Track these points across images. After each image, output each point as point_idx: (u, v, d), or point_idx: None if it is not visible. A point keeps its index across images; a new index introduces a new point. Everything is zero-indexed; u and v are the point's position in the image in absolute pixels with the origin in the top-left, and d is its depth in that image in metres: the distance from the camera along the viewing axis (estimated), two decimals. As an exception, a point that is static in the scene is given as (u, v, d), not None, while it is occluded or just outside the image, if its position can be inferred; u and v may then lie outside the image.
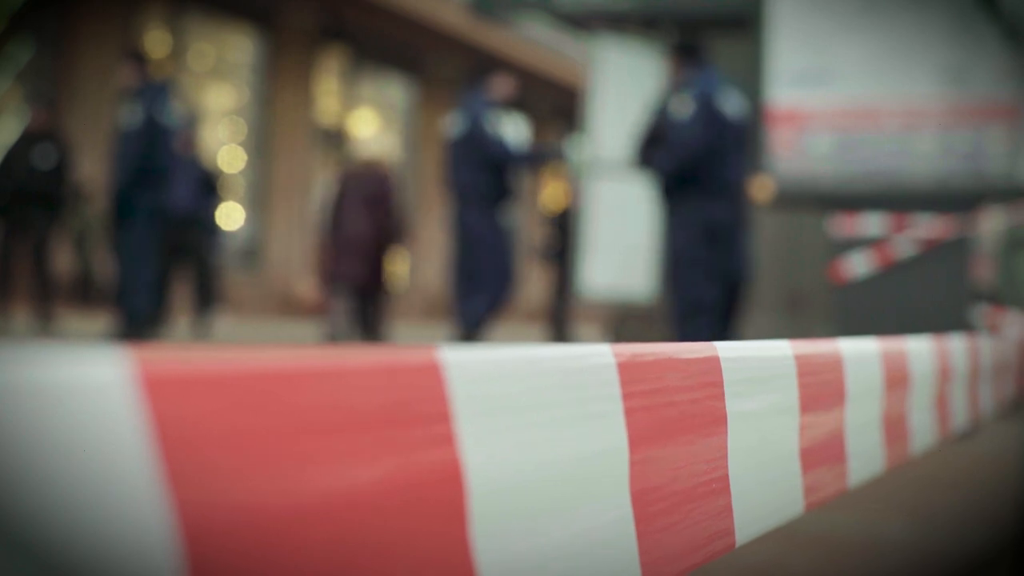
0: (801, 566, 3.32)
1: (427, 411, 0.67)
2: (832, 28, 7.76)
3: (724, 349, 1.12)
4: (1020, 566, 3.68)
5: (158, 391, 0.50)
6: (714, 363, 1.08)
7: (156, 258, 9.85)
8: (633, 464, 0.90)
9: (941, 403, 2.28)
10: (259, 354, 0.57)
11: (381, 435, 0.63)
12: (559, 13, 11.23)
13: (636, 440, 0.90)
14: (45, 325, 10.94)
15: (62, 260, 13.96)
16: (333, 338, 11.36)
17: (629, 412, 0.89)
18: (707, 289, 7.61)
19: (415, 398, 0.66)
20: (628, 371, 0.90)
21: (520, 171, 8.75)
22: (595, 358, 0.87)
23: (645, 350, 0.94)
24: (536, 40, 21.07)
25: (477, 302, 8.64)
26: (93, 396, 0.47)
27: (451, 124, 8.92)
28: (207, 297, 11.95)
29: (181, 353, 0.54)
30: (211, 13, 17.42)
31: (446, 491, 0.68)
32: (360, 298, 11.24)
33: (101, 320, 12.70)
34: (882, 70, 7.65)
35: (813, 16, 7.83)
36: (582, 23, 11.57)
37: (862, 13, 7.69)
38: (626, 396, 0.89)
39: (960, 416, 2.49)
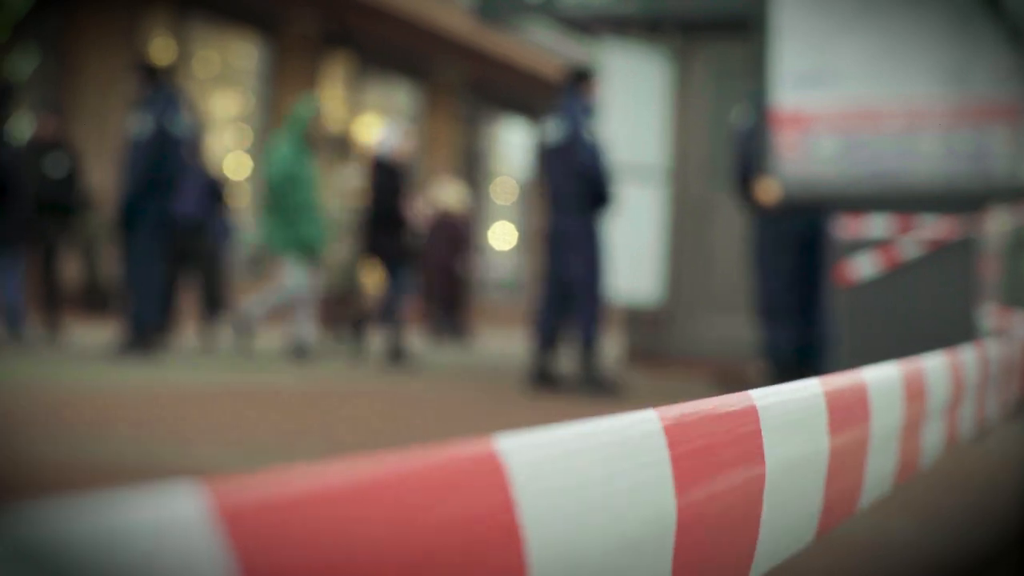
0: (805, 565, 3.33)
1: (491, 502, 0.68)
2: (835, 30, 7.77)
3: (760, 397, 1.15)
4: (1026, 567, 3.69)
5: (236, 522, 0.51)
6: (752, 413, 1.11)
7: (163, 266, 9.88)
8: (680, 526, 0.90)
9: (951, 416, 2.29)
10: (327, 471, 0.58)
11: (452, 538, 0.64)
12: (563, 17, 11.25)
13: (683, 496, 0.91)
14: (54, 333, 10.96)
15: (70, 268, 13.99)
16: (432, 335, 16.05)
17: (678, 475, 0.91)
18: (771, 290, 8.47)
19: (480, 495, 0.67)
20: (674, 433, 0.92)
21: (608, 182, 8.56)
22: (643, 425, 0.89)
23: (688, 410, 0.97)
24: (540, 44, 21.09)
25: (586, 315, 8.44)
26: (175, 534, 0.48)
27: (550, 130, 8.63)
28: (214, 305, 11.98)
29: (252, 479, 0.55)
30: (215, 20, 17.45)
31: None
32: (446, 310, 16.24)
33: (109, 328, 12.73)
34: (885, 71, 7.66)
35: (816, 18, 7.84)
36: (586, 27, 11.59)
37: (864, 14, 7.70)
38: (674, 459, 0.91)
39: (967, 424, 2.51)
